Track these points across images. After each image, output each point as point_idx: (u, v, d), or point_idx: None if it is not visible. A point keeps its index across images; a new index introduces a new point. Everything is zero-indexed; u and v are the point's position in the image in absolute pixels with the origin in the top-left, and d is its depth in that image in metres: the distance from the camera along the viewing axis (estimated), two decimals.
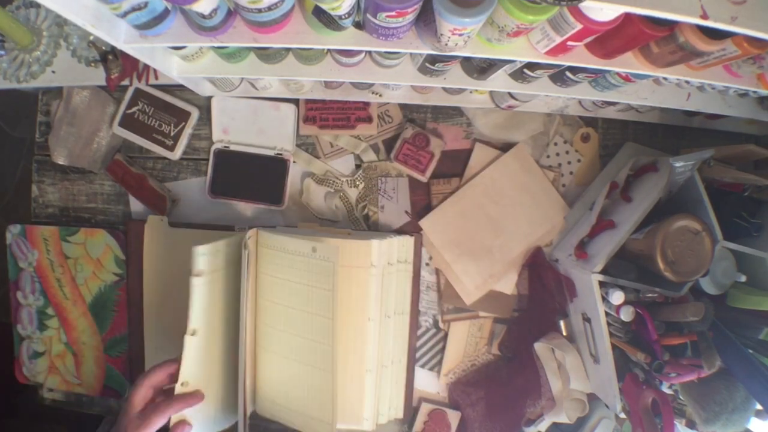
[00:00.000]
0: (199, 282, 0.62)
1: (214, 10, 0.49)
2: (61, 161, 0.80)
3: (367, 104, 0.82)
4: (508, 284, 0.81)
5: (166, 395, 0.62)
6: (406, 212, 0.82)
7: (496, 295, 0.81)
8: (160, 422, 0.59)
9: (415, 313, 0.78)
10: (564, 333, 0.79)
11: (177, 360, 0.62)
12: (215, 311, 0.66)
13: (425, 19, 0.50)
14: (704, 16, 0.43)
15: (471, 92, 0.79)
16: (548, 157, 0.83)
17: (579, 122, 0.84)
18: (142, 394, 0.60)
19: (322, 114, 0.82)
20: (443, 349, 0.81)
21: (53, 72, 0.79)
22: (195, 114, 0.81)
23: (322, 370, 0.66)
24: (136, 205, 0.83)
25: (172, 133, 0.81)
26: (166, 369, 0.62)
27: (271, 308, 0.69)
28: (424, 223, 0.81)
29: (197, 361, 0.63)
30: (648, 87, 0.70)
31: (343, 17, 0.49)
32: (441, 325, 0.82)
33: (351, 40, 0.53)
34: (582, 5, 0.46)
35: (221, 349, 0.67)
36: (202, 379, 0.64)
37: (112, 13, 0.49)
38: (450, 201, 0.81)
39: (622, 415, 0.71)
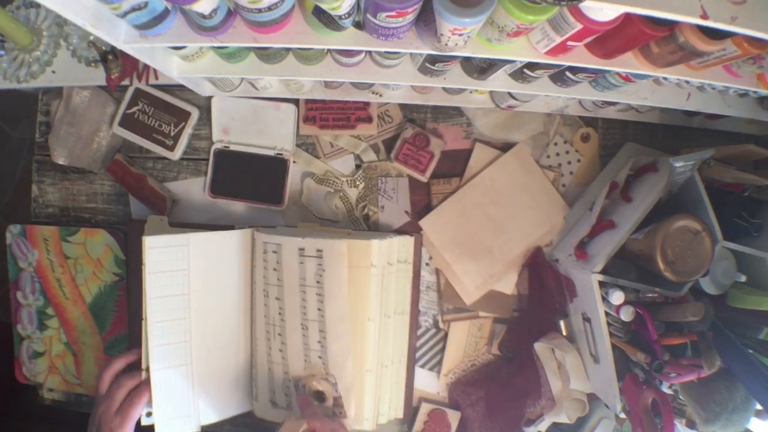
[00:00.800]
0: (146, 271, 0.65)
1: (214, 10, 0.49)
2: (61, 161, 0.80)
3: (367, 104, 0.82)
4: (508, 284, 0.81)
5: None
6: (406, 212, 0.82)
7: (496, 295, 0.81)
8: (137, 414, 0.63)
9: (415, 313, 0.78)
10: (564, 333, 0.79)
11: (133, 352, 0.68)
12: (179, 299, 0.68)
13: (425, 19, 0.50)
14: (704, 16, 0.43)
15: (471, 92, 0.79)
16: (548, 157, 0.83)
17: (579, 122, 0.84)
18: (109, 385, 0.65)
19: (322, 114, 0.82)
20: (443, 349, 0.81)
21: (53, 72, 0.79)
22: (195, 114, 0.81)
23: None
24: (136, 205, 0.82)
25: (172, 133, 0.81)
26: (123, 359, 0.68)
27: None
28: (424, 223, 0.81)
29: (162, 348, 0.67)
30: (648, 87, 0.70)
31: (343, 17, 0.49)
32: (441, 325, 0.82)
33: (351, 40, 0.53)
34: (582, 5, 0.46)
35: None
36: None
37: (112, 13, 0.49)
38: (450, 201, 0.81)
39: (622, 415, 0.71)
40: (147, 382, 0.65)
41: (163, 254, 0.66)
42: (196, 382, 0.69)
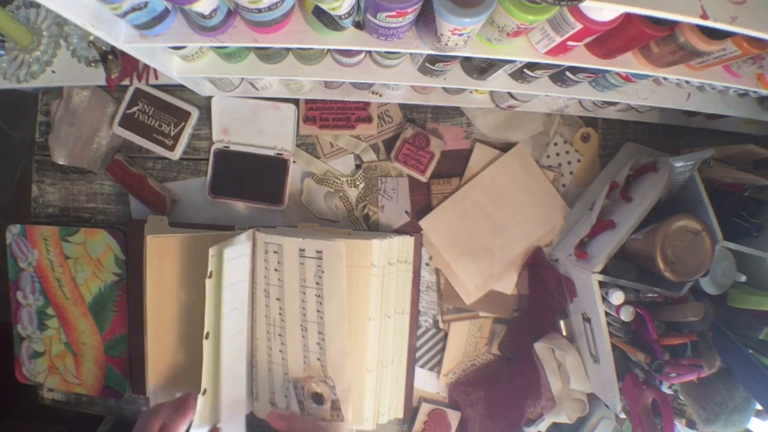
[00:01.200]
0: (211, 284, 0.62)
1: (214, 10, 0.49)
2: (61, 161, 0.80)
3: (367, 104, 0.82)
4: (508, 284, 0.81)
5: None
6: (406, 212, 0.82)
7: (496, 295, 0.81)
8: None
9: (415, 313, 0.78)
10: (564, 333, 0.79)
11: (190, 408, 0.59)
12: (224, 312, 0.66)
13: (425, 19, 0.50)
14: (704, 16, 0.43)
15: (471, 92, 0.79)
16: (548, 157, 0.83)
17: (579, 122, 0.84)
18: None
19: (322, 114, 0.82)
20: (443, 349, 0.81)
21: (53, 72, 0.79)
22: (195, 114, 0.81)
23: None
24: (136, 205, 0.83)
25: (172, 133, 0.81)
26: (186, 418, 0.58)
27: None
28: (424, 223, 0.81)
29: (212, 365, 0.64)
30: (648, 87, 0.70)
31: (343, 17, 0.49)
32: (441, 325, 0.82)
33: (351, 40, 0.53)
34: (582, 5, 0.46)
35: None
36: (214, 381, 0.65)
37: (112, 13, 0.49)
38: (450, 201, 0.81)
39: (622, 415, 0.71)
40: (189, 408, 0.60)
41: (236, 265, 0.64)
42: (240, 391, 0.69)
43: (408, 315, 0.77)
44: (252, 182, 0.81)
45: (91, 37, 0.77)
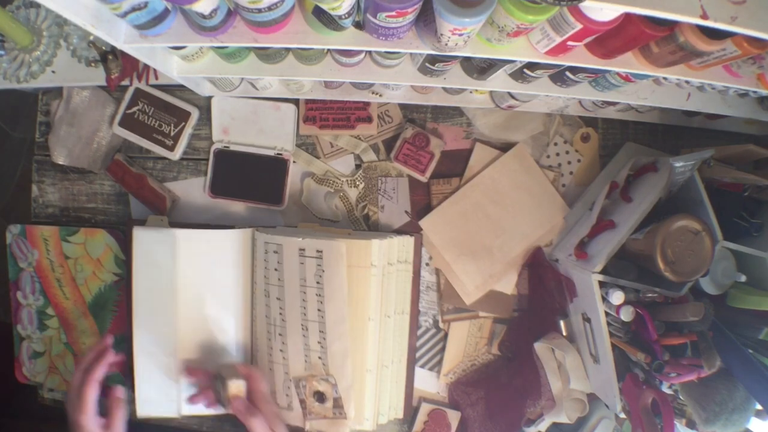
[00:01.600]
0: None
1: (214, 10, 0.49)
2: (61, 161, 0.80)
3: (367, 104, 0.82)
4: (508, 284, 0.81)
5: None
6: (406, 212, 0.82)
7: (496, 295, 0.81)
8: (100, 374, 0.63)
9: (415, 313, 0.78)
10: (564, 333, 0.79)
11: (104, 347, 0.65)
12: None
13: (425, 19, 0.50)
14: (704, 16, 0.43)
15: (471, 92, 0.79)
16: (548, 157, 0.83)
17: (579, 122, 0.84)
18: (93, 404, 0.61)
19: (322, 114, 0.82)
20: (443, 349, 0.81)
21: (53, 72, 0.79)
22: (195, 114, 0.81)
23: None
24: (136, 205, 0.83)
25: (172, 133, 0.81)
26: (102, 359, 0.64)
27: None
28: (424, 223, 0.81)
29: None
30: (648, 87, 0.70)
31: (343, 17, 0.49)
32: (441, 325, 0.82)
33: (351, 40, 0.53)
34: (582, 5, 0.46)
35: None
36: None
37: (112, 13, 0.49)
38: (450, 201, 0.81)
39: (622, 415, 0.71)
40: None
41: (151, 247, 0.69)
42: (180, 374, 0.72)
43: (408, 315, 0.77)
44: (252, 182, 0.81)
45: (91, 37, 0.77)
